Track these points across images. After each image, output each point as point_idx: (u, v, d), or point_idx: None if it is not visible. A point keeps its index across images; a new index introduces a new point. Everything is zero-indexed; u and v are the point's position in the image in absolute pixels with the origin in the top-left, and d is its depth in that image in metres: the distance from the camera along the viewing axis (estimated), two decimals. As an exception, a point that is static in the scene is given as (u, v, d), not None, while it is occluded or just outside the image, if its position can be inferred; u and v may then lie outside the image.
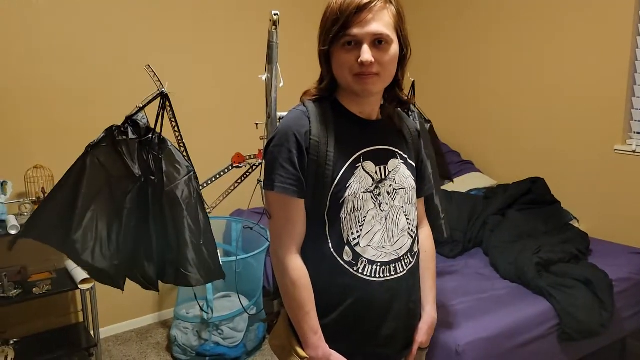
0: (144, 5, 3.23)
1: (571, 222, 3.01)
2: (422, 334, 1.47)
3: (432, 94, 4.01)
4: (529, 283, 2.32)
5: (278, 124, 1.34)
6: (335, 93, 1.36)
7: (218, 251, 2.99)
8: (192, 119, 3.04)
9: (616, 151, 2.98)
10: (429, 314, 1.50)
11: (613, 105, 2.98)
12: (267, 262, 3.10)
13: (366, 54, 1.22)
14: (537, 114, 3.37)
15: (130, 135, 1.60)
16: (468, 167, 3.75)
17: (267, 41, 1.35)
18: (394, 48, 1.27)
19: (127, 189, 1.60)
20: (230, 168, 2.17)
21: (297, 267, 1.30)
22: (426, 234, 1.58)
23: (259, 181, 1.31)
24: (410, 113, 1.82)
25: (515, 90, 3.50)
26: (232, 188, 2.21)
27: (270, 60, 1.36)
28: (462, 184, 3.39)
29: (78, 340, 2.96)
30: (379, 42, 1.24)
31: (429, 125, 1.77)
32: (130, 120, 1.61)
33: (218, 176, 2.15)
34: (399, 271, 1.37)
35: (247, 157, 2.14)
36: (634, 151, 2.90)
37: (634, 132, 2.96)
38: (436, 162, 1.88)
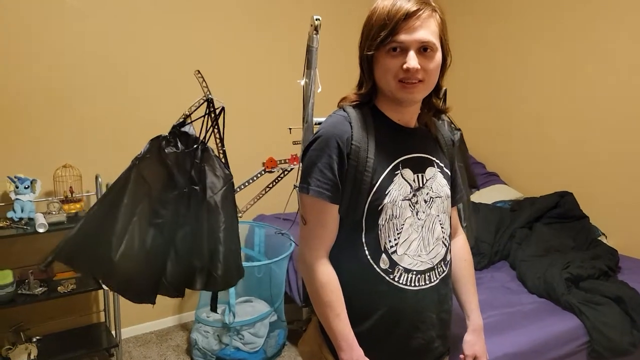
0: (178, 5, 3.26)
1: (599, 238, 2.96)
2: (472, 345, 1.47)
3: (458, 103, 3.98)
4: (559, 299, 2.28)
5: (316, 128, 1.33)
6: (375, 99, 1.36)
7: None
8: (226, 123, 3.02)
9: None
10: (475, 321, 1.50)
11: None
12: (290, 269, 3.09)
13: (412, 60, 1.22)
14: (566, 127, 3.33)
15: (180, 146, 1.58)
16: (493, 178, 3.71)
17: (307, 46, 1.35)
18: (439, 56, 1.27)
19: (167, 201, 1.59)
20: (263, 173, 2.16)
21: (325, 271, 1.29)
22: (462, 242, 1.57)
23: (295, 186, 1.30)
24: (440, 121, 1.81)
25: (544, 102, 3.46)
26: (264, 192, 2.20)
27: (309, 65, 1.36)
28: (487, 195, 3.36)
29: (99, 340, 2.97)
30: (424, 49, 1.24)
31: (459, 133, 1.75)
32: (178, 130, 1.60)
33: (251, 181, 2.14)
34: (432, 280, 1.36)
35: (279, 162, 2.13)
36: None
37: (667, 148, 2.90)
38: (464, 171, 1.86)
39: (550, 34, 3.39)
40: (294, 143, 1.60)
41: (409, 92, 1.26)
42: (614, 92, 3.05)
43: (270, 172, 2.14)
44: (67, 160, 2.91)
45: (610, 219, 3.04)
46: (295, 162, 2.21)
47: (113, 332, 3.02)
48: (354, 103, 1.36)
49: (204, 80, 1.69)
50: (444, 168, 1.42)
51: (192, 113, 1.59)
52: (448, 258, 1.42)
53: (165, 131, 1.58)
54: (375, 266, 1.30)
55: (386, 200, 1.28)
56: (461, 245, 1.56)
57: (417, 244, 1.32)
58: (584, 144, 3.23)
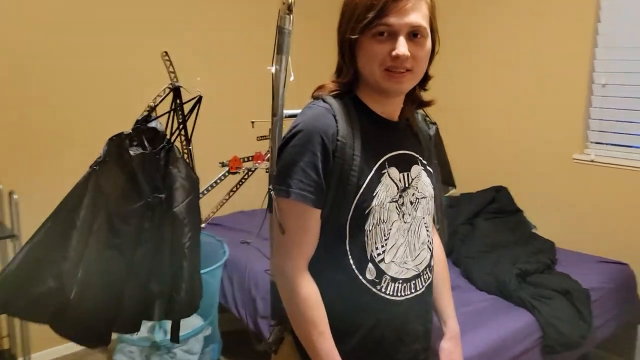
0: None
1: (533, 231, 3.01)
2: (450, 353, 1.37)
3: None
4: (511, 295, 2.26)
5: (286, 122, 1.17)
6: (356, 89, 1.21)
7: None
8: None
9: (575, 160, 3.01)
10: (452, 328, 1.40)
11: (572, 115, 3.01)
12: (224, 277, 2.87)
13: (402, 46, 1.09)
14: (497, 123, 3.37)
15: (147, 146, 1.29)
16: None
17: (277, 27, 1.17)
18: (429, 43, 1.15)
19: (129, 214, 1.31)
20: (227, 174, 1.92)
21: (308, 285, 1.14)
22: (437, 243, 1.46)
23: (270, 189, 1.13)
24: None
25: (474, 99, 3.49)
26: (227, 197, 1.96)
27: (280, 49, 1.18)
28: (422, 192, 3.32)
29: (4, 371, 2.59)
30: (414, 34, 1.11)
31: (435, 127, 1.65)
32: (144, 126, 1.32)
33: (214, 184, 1.89)
34: (418, 288, 1.25)
35: (243, 160, 1.90)
36: (592, 160, 2.94)
37: (591, 142, 3.01)
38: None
39: (474, 31, 3.41)
40: (259, 139, 1.41)
41: (396, 82, 1.13)
42: (540, 86, 3.12)
43: (234, 173, 1.91)
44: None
45: (543, 212, 3.10)
46: (260, 161, 2.00)
47: (21, 360, 2.65)
48: (333, 93, 1.20)
49: (171, 64, 1.43)
50: (427, 166, 1.31)
51: (157, 105, 1.34)
52: (432, 263, 1.32)
53: (91, 134, 1.30)
54: (360, 277, 1.17)
55: (374, 202, 1.15)
56: (436, 246, 1.46)
57: (403, 249, 1.21)
58: (513, 139, 3.28)
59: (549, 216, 3.08)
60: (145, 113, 1.33)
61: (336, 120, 1.13)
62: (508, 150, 3.31)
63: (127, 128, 1.24)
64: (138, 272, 1.32)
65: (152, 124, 1.29)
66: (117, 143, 1.27)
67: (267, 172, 2.01)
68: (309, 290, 1.14)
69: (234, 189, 1.96)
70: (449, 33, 3.53)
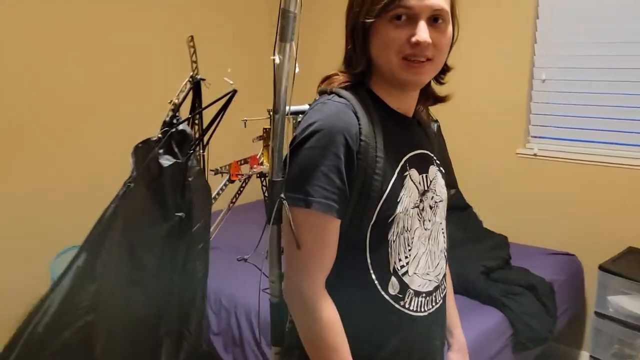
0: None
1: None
2: None
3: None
4: (481, 293, 2.22)
5: (305, 119, 1.01)
6: (368, 81, 1.07)
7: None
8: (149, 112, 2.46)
9: (518, 155, 3.06)
10: (459, 339, 1.32)
11: (514, 110, 3.05)
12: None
13: (423, 31, 0.97)
14: (441, 119, 3.35)
15: (178, 154, 1.02)
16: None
17: (281, 10, 1.01)
18: (450, 30, 1.04)
19: (155, 241, 1.05)
20: (228, 183, 1.67)
21: (329, 307, 1.00)
22: None
23: (282, 198, 0.97)
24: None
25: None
26: (228, 209, 1.69)
27: (284, 36, 1.02)
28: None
29: None
30: (435, 19, 0.99)
31: (437, 125, 1.54)
32: (175, 129, 1.04)
33: (217, 196, 1.63)
34: (437, 301, 1.15)
35: (241, 163, 1.66)
36: (534, 154, 2.99)
37: (533, 136, 3.06)
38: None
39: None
40: (255, 140, 1.22)
41: (415, 72, 1.01)
42: (484, 82, 3.14)
43: (233, 182, 1.66)
44: None
45: (489, 206, 3.12)
46: (256, 165, 1.76)
47: None
48: (344, 86, 1.06)
49: (195, 52, 1.18)
50: (440, 166, 1.20)
51: (182, 102, 1.10)
52: (446, 272, 1.21)
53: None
54: (383, 293, 1.05)
55: (398, 209, 1.03)
56: None
57: (425, 260, 1.10)
58: (459, 135, 3.27)
59: (496, 211, 3.11)
60: (171, 113, 1.09)
61: (357, 118, 0.99)
62: (453, 146, 3.30)
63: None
64: (152, 309, 1.09)
65: (181, 126, 1.04)
66: (144, 152, 1.01)
67: (258, 177, 1.81)
68: (331, 313, 1.00)
69: (234, 200, 1.74)
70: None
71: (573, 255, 2.81)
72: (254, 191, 4.00)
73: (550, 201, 2.94)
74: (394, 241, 1.04)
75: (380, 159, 1.00)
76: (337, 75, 1.07)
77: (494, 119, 3.12)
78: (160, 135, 0.95)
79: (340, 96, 1.02)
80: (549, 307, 2.24)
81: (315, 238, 0.98)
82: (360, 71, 1.05)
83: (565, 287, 2.58)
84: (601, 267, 2.52)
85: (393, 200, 1.02)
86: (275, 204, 1.01)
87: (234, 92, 1.03)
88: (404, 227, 1.04)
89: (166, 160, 0.94)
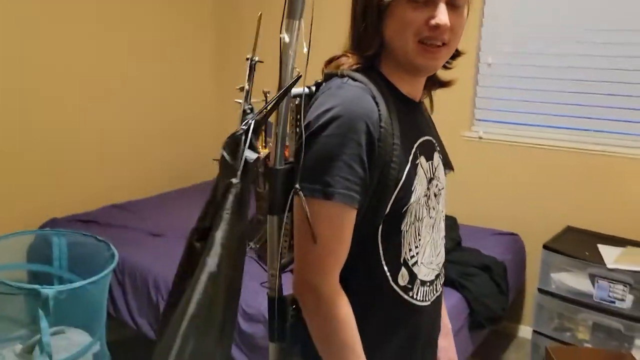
0: None
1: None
2: (447, 351, 1.27)
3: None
4: (439, 275, 2.24)
5: (319, 104, 0.95)
6: (378, 64, 1.03)
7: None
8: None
9: (464, 137, 3.12)
10: (445, 324, 1.30)
11: (461, 94, 3.09)
12: (113, 285, 2.48)
13: (443, 14, 0.93)
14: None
15: (257, 148, 0.90)
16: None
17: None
18: (466, 13, 1.01)
19: (240, 258, 0.94)
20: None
21: (346, 304, 0.97)
22: None
23: (296, 189, 0.91)
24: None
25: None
26: None
27: (292, 12, 0.95)
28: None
29: None
30: (453, 2, 0.96)
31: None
32: (264, 121, 0.92)
33: None
34: (438, 289, 1.14)
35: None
36: (480, 137, 3.07)
37: (478, 120, 3.13)
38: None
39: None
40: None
41: (432, 57, 0.98)
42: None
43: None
44: None
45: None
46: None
47: None
48: (355, 68, 1.01)
49: (258, 32, 1.04)
50: (440, 152, 1.18)
51: (251, 87, 0.98)
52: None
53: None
54: (393, 285, 1.02)
55: (412, 198, 1.00)
56: None
57: (429, 248, 1.08)
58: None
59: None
60: (244, 102, 0.98)
61: (377, 103, 0.95)
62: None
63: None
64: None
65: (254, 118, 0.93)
66: (235, 146, 0.89)
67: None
68: (347, 311, 0.96)
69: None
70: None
71: (517, 235, 2.92)
72: (196, 173, 3.90)
73: (495, 183, 3.03)
74: (406, 231, 1.01)
75: (397, 146, 0.96)
76: (346, 56, 1.02)
77: (440, 102, 3.09)
78: (244, 127, 0.86)
79: (355, 80, 0.97)
80: (502, 287, 2.31)
81: (332, 231, 0.93)
82: (371, 54, 1.00)
83: (511, 266, 2.68)
84: (545, 246, 2.62)
85: (407, 189, 0.99)
86: (277, 194, 0.95)
87: (299, 76, 0.95)
88: (415, 216, 1.02)
89: (251, 154, 0.86)
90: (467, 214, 3.05)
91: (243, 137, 0.90)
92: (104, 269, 2.33)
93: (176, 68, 3.67)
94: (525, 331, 3.04)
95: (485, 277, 2.29)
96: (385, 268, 1.00)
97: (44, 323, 2.11)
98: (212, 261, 0.87)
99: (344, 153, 0.90)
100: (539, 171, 2.92)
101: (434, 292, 1.11)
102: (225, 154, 0.90)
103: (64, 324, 2.44)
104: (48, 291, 2.10)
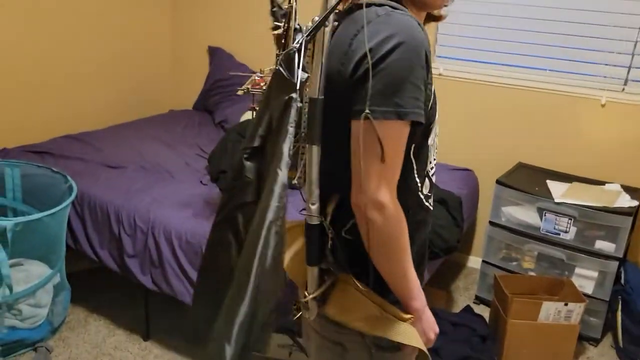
0: None
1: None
2: None
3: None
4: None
5: (375, 31, 0.97)
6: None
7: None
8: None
9: (424, 74, 3.14)
10: None
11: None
12: (72, 217, 2.44)
13: None
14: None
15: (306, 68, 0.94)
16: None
17: None
18: None
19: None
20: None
21: (404, 216, 1.04)
22: None
23: (365, 112, 0.93)
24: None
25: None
26: None
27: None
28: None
29: None
30: None
31: None
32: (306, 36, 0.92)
33: None
34: (432, 193, 1.27)
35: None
36: (440, 74, 3.10)
37: (439, 56, 3.15)
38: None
39: None
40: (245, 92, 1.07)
41: None
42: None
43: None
44: None
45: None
46: (258, 87, 1.54)
47: None
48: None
49: None
50: None
51: (335, 8, 0.96)
52: None
53: None
54: (420, 194, 1.14)
55: (436, 116, 1.12)
56: None
57: (432, 156, 1.19)
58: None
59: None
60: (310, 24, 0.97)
61: (424, 31, 1.01)
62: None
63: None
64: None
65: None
66: (289, 62, 0.90)
67: (246, 91, 1.64)
68: (406, 222, 1.05)
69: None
70: None
71: (471, 170, 3.02)
72: (151, 105, 3.79)
73: (452, 120, 3.09)
74: (431, 145, 1.12)
75: (430, 67, 1.03)
76: None
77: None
78: (298, 45, 0.87)
79: (393, 8, 1.01)
80: (458, 219, 2.40)
81: (397, 149, 0.99)
82: None
83: (466, 201, 2.78)
84: (498, 181, 2.74)
85: (435, 107, 1.08)
86: (316, 124, 0.98)
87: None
88: (435, 131, 1.13)
89: (302, 73, 0.87)
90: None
91: (296, 55, 0.92)
92: (61, 201, 2.29)
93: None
94: (474, 261, 3.22)
95: (442, 209, 2.38)
96: (417, 180, 1.10)
97: (1, 255, 2.08)
98: (282, 174, 0.90)
99: (412, 75, 0.95)
100: (494, 109, 3.00)
101: (433, 198, 1.22)
102: (282, 70, 0.92)
103: (22, 257, 2.41)
104: (6, 223, 2.05)
